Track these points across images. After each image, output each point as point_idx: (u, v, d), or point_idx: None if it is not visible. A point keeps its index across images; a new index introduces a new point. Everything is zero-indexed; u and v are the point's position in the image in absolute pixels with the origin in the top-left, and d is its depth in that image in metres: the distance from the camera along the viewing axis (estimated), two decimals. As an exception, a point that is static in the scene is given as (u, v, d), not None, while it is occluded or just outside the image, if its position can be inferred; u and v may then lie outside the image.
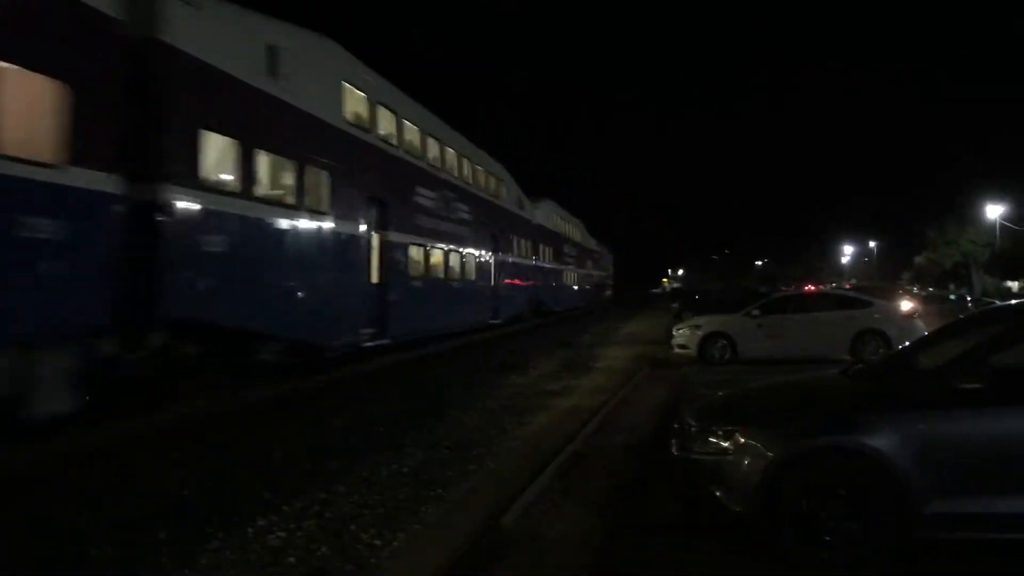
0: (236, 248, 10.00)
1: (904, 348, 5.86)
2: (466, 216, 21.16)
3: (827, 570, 4.37)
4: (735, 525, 4.88)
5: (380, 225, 15.05)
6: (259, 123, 10.84)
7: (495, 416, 9.56)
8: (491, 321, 23.69)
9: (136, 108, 8.36)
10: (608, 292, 64.70)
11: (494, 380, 12.90)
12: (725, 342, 15.82)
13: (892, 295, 23.28)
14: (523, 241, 29.24)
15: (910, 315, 15.99)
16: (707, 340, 15.99)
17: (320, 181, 12.53)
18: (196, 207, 9.25)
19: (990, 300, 33.12)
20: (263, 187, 11.07)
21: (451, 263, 19.88)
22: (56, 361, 7.28)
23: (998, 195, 51.14)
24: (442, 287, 19.19)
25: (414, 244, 16.97)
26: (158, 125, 8.69)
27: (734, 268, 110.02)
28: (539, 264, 32.25)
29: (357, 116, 14.46)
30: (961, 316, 7.74)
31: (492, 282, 23.97)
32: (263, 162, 11.06)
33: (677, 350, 16.66)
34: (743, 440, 4.80)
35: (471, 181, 22.43)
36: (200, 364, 9.63)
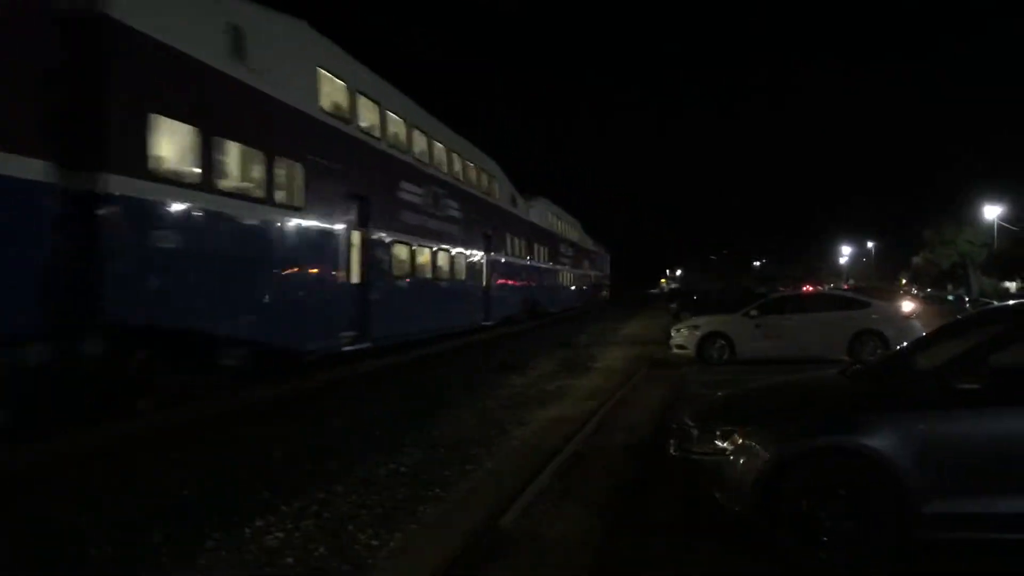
0: (193, 244, 9.20)
1: (903, 348, 5.87)
2: (456, 213, 20.35)
3: (827, 570, 4.38)
4: (735, 525, 4.89)
5: (362, 222, 14.19)
6: (221, 109, 9.92)
7: (494, 416, 9.57)
8: (483, 323, 22.96)
9: (74, 88, 7.62)
10: (605, 293, 64.65)
11: (493, 380, 12.90)
12: (723, 342, 15.84)
13: (892, 296, 23.33)
14: (517, 240, 28.47)
15: (909, 316, 16.03)
16: (705, 340, 16.00)
17: (293, 174, 11.70)
18: (145, 199, 8.37)
19: (988, 301, 33.16)
20: (226, 179, 10.11)
21: (439, 262, 19.00)
22: None
23: (996, 196, 51.23)
24: (429, 287, 18.42)
25: (399, 242, 16.18)
26: (99, 108, 7.89)
27: (733, 268, 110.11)
28: (534, 264, 31.75)
29: (335, 106, 13.58)
30: (959, 316, 7.75)
31: (484, 282, 23.21)
32: (226, 152, 10.12)
33: (675, 350, 16.67)
34: (742, 440, 4.80)
35: (461, 177, 21.61)
36: (150, 372, 8.73)
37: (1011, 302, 8.99)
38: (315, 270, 12.43)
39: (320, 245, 12.56)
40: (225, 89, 10.01)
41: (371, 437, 8.14)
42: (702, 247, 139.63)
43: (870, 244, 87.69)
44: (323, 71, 13.07)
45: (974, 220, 54.59)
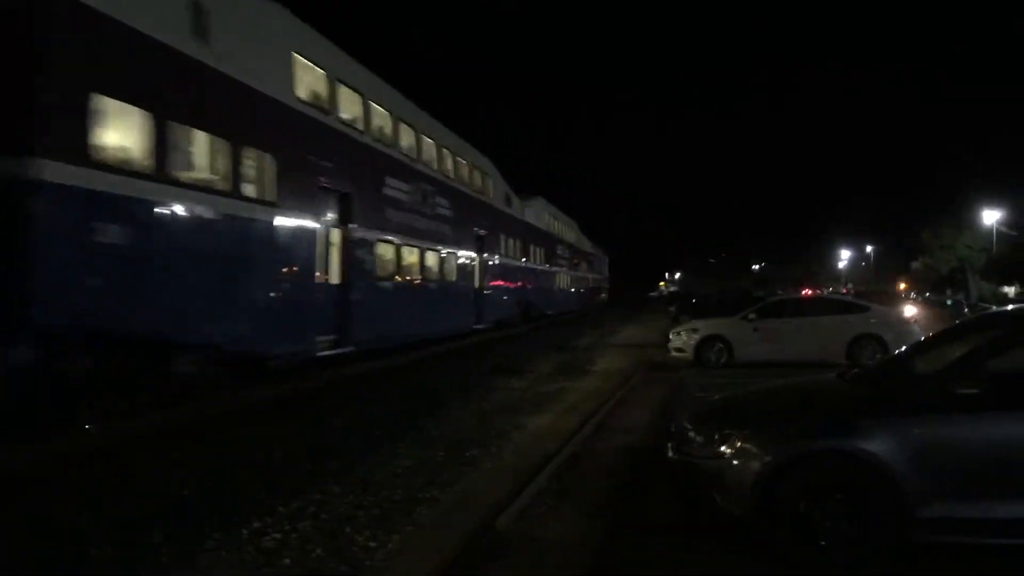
0: (142, 239, 8.37)
1: (902, 352, 5.89)
2: (446, 212, 19.50)
3: (826, 570, 4.40)
4: (735, 525, 4.91)
5: (343, 219, 13.45)
6: (178, 93, 9.09)
7: (491, 418, 9.57)
8: (474, 326, 22.14)
9: (1, 62, 6.94)
10: (603, 295, 64.52)
11: (491, 383, 12.89)
12: (722, 346, 15.86)
13: (893, 300, 23.35)
14: (511, 241, 27.67)
15: (908, 320, 16.06)
16: (704, 344, 16.03)
17: (264, 166, 10.92)
18: (85, 188, 7.53)
19: (987, 305, 33.20)
20: (183, 169, 9.29)
21: (427, 263, 18.12)
22: None
23: (995, 200, 51.31)
24: (416, 289, 17.59)
25: (383, 241, 15.29)
26: (30, 84, 7.08)
27: (733, 270, 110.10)
28: (529, 265, 31.13)
29: (313, 94, 12.78)
30: (958, 321, 7.77)
31: (475, 284, 22.49)
32: (183, 140, 9.34)
33: (674, 353, 16.70)
34: (741, 443, 4.82)
35: (452, 175, 20.71)
36: (93, 381, 7.87)
37: (1010, 307, 9.01)
38: (287, 269, 11.58)
39: (293, 243, 11.73)
40: (183, 71, 9.18)
41: (370, 438, 8.12)
42: (701, 248, 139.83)
43: (869, 248, 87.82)
44: (300, 57, 12.22)
45: (973, 224, 54.67)
